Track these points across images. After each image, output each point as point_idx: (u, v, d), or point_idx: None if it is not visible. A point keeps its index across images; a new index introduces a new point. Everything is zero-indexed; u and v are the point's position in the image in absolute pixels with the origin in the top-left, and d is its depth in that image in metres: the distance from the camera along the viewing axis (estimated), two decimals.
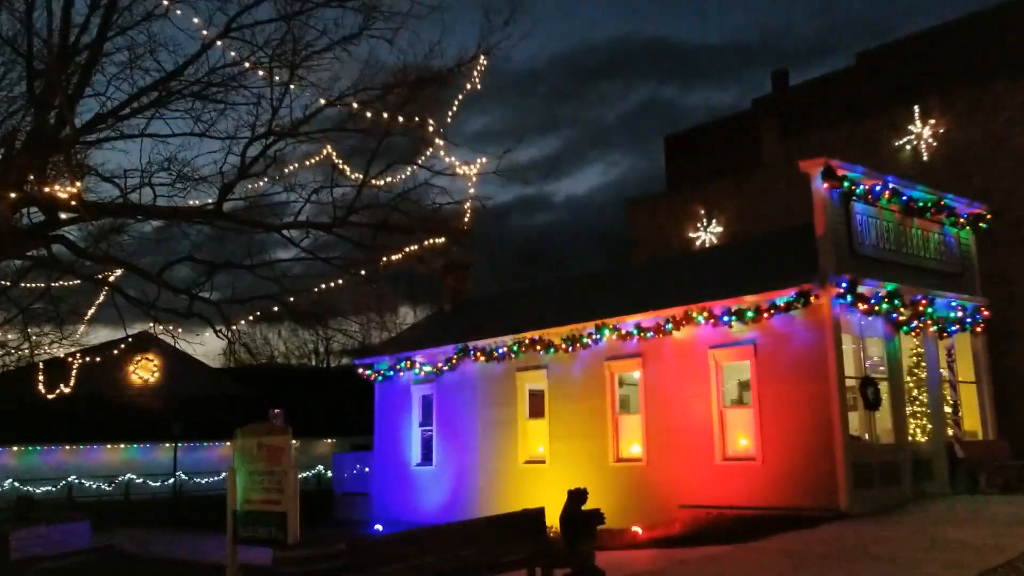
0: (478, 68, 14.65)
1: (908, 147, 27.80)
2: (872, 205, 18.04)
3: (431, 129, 13.65)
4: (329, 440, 46.62)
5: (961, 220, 20.02)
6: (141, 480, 45.47)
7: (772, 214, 28.04)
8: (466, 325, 25.23)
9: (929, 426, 18.65)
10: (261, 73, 13.68)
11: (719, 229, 32.82)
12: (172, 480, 46.19)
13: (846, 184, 17.23)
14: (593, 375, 20.78)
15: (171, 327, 18.82)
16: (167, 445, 48.04)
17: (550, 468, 21.40)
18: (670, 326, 18.92)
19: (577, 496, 11.38)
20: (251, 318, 20.11)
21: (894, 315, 17.63)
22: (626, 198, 39.95)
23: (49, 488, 42.32)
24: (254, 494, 11.25)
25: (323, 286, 18.39)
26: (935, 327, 18.60)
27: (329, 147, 13.95)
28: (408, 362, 25.09)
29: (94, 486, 42.69)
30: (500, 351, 22.48)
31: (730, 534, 15.23)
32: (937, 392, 18.74)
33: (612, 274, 26.49)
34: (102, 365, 49.64)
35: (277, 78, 13.41)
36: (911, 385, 19.45)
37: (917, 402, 19.24)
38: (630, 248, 37.25)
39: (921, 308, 18.18)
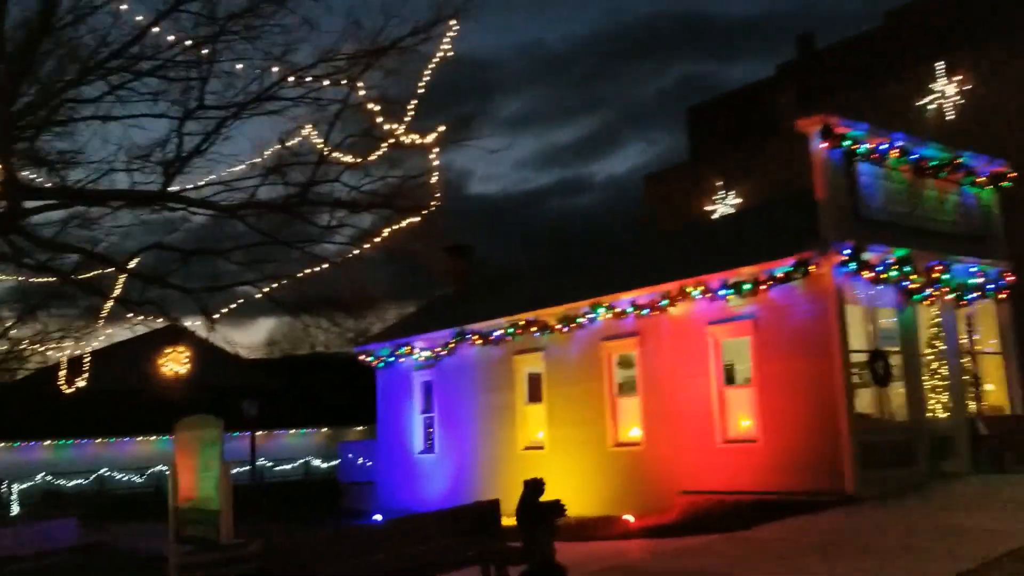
0: (448, 34, 13.65)
1: (933, 107, 26.30)
2: (879, 166, 16.72)
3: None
4: (360, 428, 46.35)
5: (981, 179, 18.57)
6: (164, 470, 45.64)
7: (789, 183, 26.65)
8: (465, 308, 24.33)
9: (950, 401, 17.37)
10: (206, 52, 12.81)
11: (737, 200, 31.51)
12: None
13: (847, 143, 15.94)
14: (590, 357, 19.75)
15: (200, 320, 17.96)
16: None
17: (549, 454, 20.45)
18: (665, 302, 17.82)
19: (534, 486, 10.37)
20: (232, 306, 19.42)
21: (905, 283, 16.34)
22: (643, 175, 38.61)
23: (80, 481, 42.52)
24: (192, 491, 10.52)
25: (306, 272, 17.69)
26: (953, 295, 17.24)
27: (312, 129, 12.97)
28: (407, 348, 24.28)
29: (125, 478, 42.80)
30: (496, 334, 21.55)
31: (725, 522, 14.18)
32: (957, 365, 17.41)
33: (610, 251, 25.34)
34: (133, 358, 50.01)
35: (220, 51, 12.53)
36: (931, 358, 18.18)
37: (937, 376, 17.96)
38: (646, 225, 36.03)
39: (936, 275, 16.85)
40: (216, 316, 17.49)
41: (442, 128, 12.96)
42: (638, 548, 13.15)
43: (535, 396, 21.35)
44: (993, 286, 18.11)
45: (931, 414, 17.77)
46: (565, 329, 19.96)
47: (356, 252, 16.45)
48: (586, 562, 12.17)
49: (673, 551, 12.13)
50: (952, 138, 20.51)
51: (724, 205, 31.60)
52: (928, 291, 16.64)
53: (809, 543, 11.65)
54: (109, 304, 15.49)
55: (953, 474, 16.47)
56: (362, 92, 13.46)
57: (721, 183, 32.58)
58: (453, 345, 22.74)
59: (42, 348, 30.72)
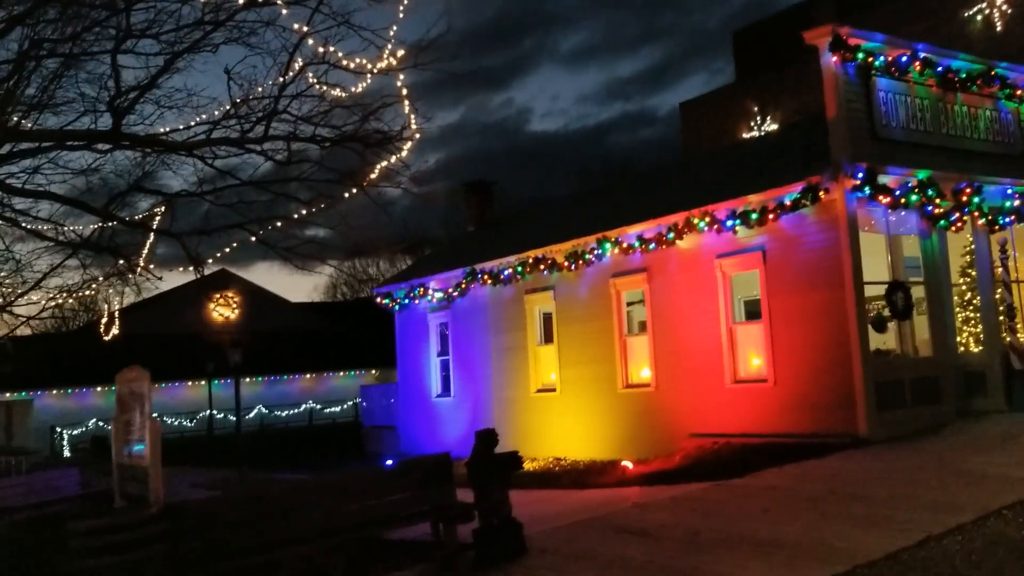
0: None
1: (979, 17, 24.31)
2: (900, 80, 15.28)
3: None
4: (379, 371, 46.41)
5: (1019, 92, 16.96)
6: (222, 415, 46.34)
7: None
8: (478, 247, 23.56)
9: (983, 334, 16.13)
10: None
11: (773, 127, 29.90)
12: (254, 414, 46.91)
13: (861, 56, 14.55)
14: (599, 294, 18.86)
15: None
16: (247, 380, 48.77)
17: (561, 397, 19.76)
18: (672, 235, 16.78)
19: (486, 438, 9.71)
20: (227, 250, 18.95)
21: (929, 207, 15.02)
22: (680, 102, 36.94)
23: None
24: (127, 446, 10.06)
25: (298, 214, 17.10)
26: (983, 219, 15.85)
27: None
28: (421, 289, 23.65)
29: (176, 422, 43.54)
30: (506, 273, 20.75)
31: (727, 468, 13.31)
32: (990, 295, 16.09)
33: (621, 185, 24.21)
34: (183, 304, 50.58)
35: None
36: (964, 288, 16.91)
37: (971, 307, 16.70)
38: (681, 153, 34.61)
39: (965, 198, 15.47)
40: (209, 260, 17.05)
41: (401, 52, 12.01)
42: (624, 497, 12.41)
43: (548, 336, 20.61)
44: None
45: (962, 348, 16.61)
46: (572, 267, 19.07)
47: (345, 193, 15.81)
48: (560, 515, 11.54)
49: (656, 502, 11.37)
50: (1001, 51, 18.86)
51: (760, 131, 30.03)
52: (955, 216, 15.29)
53: (802, 492, 10.79)
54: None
55: (984, 412, 15.32)
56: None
57: (757, 108, 31.00)
58: (464, 285, 22.03)
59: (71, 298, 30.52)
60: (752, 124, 31.03)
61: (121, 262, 17.22)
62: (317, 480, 10.89)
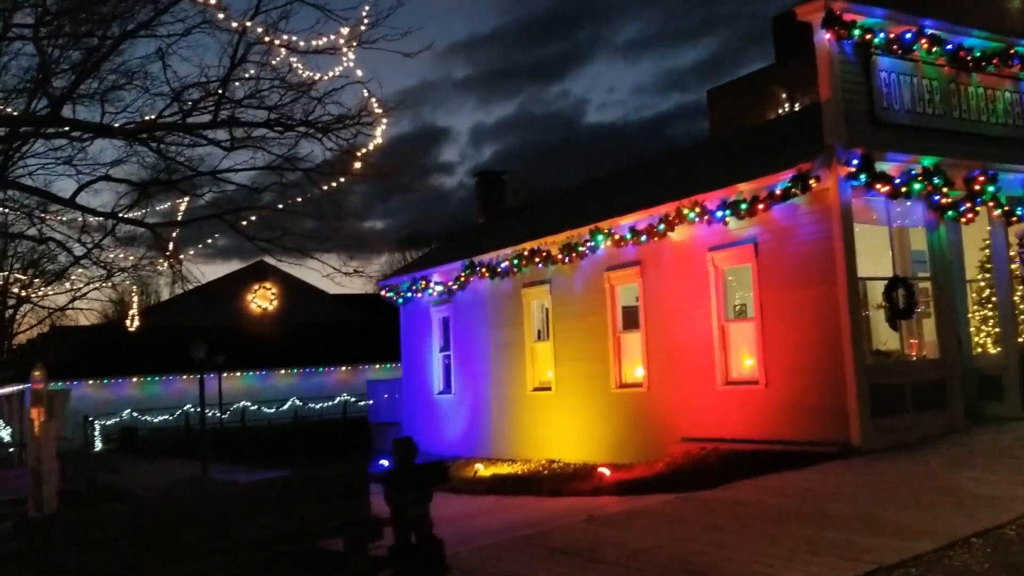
0: None
1: None
2: (905, 59, 14.12)
3: None
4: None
5: None
6: (256, 407, 46.42)
7: None
8: (479, 239, 22.82)
9: (1000, 335, 14.95)
10: None
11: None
12: (288, 406, 46.92)
13: (858, 32, 13.43)
14: (594, 289, 17.98)
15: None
16: (283, 372, 48.85)
17: (556, 396, 18.94)
18: (663, 227, 15.83)
19: (404, 447, 8.95)
20: (209, 241, 18.54)
21: (936, 196, 13.86)
22: (708, 89, 35.77)
23: (167, 417, 43.66)
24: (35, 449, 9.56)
25: (279, 206, 16.61)
26: (999, 210, 14.61)
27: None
28: (423, 281, 22.97)
29: (210, 414, 43.52)
30: (503, 266, 19.97)
31: (705, 477, 12.42)
32: (1006, 292, 14.87)
33: (622, 174, 23.20)
34: (223, 296, 50.79)
35: None
36: (982, 284, 15.70)
37: (990, 304, 15.50)
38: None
39: (978, 186, 14.26)
40: (177, 251, 16.63)
41: (346, 30, 11.30)
42: (590, 508, 11.58)
43: (546, 332, 19.81)
44: None
45: (979, 349, 15.42)
46: (566, 260, 18.22)
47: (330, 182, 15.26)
48: (509, 527, 10.81)
49: (610, 516, 10.53)
50: None
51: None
52: (966, 206, 14.10)
53: (768, 509, 9.86)
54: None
55: (998, 419, 14.17)
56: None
57: (786, 95, 29.78)
58: (463, 279, 21.30)
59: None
60: (780, 111, 29.83)
61: (151, 252, 16.97)
62: (217, 489, 10.26)
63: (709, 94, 35.39)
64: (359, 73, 12.21)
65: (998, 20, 19.87)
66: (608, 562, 8.35)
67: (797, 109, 28.65)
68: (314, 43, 11.23)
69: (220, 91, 11.91)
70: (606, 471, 14.44)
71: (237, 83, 12.04)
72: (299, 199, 16.31)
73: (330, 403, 47.71)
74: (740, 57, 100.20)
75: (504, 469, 18.07)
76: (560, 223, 18.91)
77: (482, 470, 18.02)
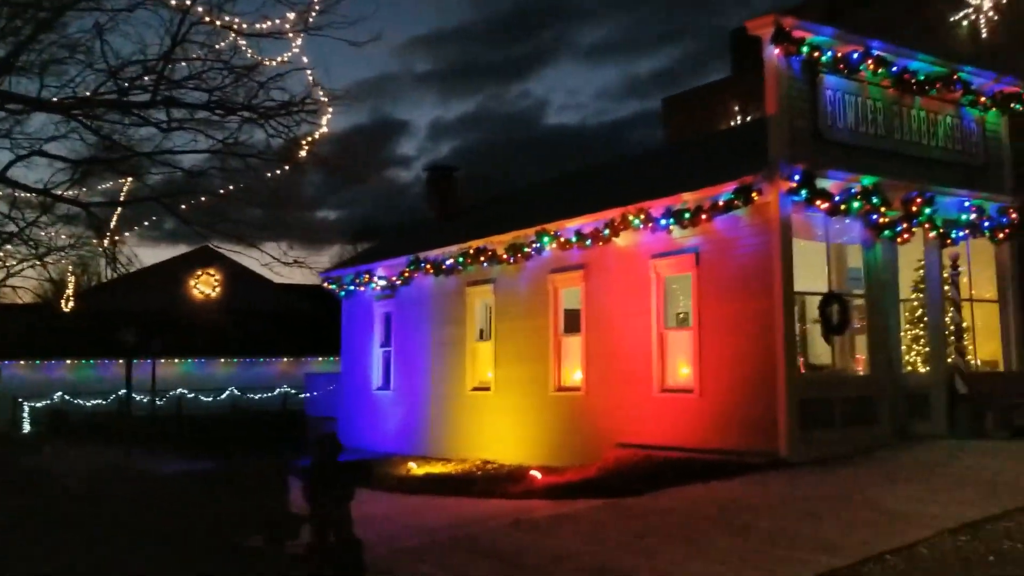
0: None
1: (965, 22, 23.31)
2: (851, 79, 14.31)
3: None
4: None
5: (984, 100, 15.97)
6: (193, 395, 45.47)
7: None
8: (425, 234, 22.66)
9: (931, 354, 15.21)
10: None
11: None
12: (226, 395, 46.07)
13: (806, 50, 13.58)
14: (538, 290, 17.95)
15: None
16: (222, 360, 47.94)
17: (495, 396, 18.87)
18: (608, 231, 15.86)
19: (327, 444, 8.81)
20: (146, 224, 18.09)
21: (874, 216, 14.07)
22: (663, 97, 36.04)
23: (100, 401, 42.56)
24: None
25: (223, 191, 16.25)
26: (935, 232, 14.89)
27: None
28: (367, 275, 22.75)
29: (145, 400, 42.61)
30: (448, 263, 19.86)
31: (635, 484, 12.47)
32: (938, 313, 15.14)
33: (571, 177, 23.25)
34: (165, 281, 49.65)
35: None
36: (916, 304, 15.97)
37: (921, 324, 15.77)
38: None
39: (915, 208, 14.51)
40: (114, 233, 16.20)
41: (293, 15, 11.08)
42: (519, 510, 11.55)
43: (488, 332, 19.73)
44: (989, 223, 15.66)
45: (909, 368, 15.70)
46: (512, 260, 18.16)
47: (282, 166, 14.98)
48: (435, 529, 10.73)
49: (536, 520, 10.50)
50: (986, 58, 17.87)
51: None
52: (903, 226, 14.34)
53: (692, 518, 9.92)
54: None
55: (924, 437, 14.42)
56: None
57: (739, 107, 30.09)
58: (408, 274, 21.13)
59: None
60: (732, 123, 30.13)
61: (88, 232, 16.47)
62: (134, 479, 10.00)
63: (665, 102, 35.61)
64: (305, 60, 11.98)
65: (944, 46, 20.37)
66: (529, 567, 8.32)
67: (749, 122, 28.95)
68: (259, 26, 11.02)
69: (160, 70, 11.59)
70: (538, 474, 14.43)
71: (183, 63, 11.73)
72: (241, 185, 16.01)
73: (270, 394, 46.94)
74: (700, 68, 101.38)
75: (438, 468, 17.96)
76: (507, 223, 18.85)
77: (415, 469, 17.88)
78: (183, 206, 16.22)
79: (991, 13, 22.72)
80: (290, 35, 11.54)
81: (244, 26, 11.08)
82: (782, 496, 10.70)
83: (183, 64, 11.98)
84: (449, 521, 11.65)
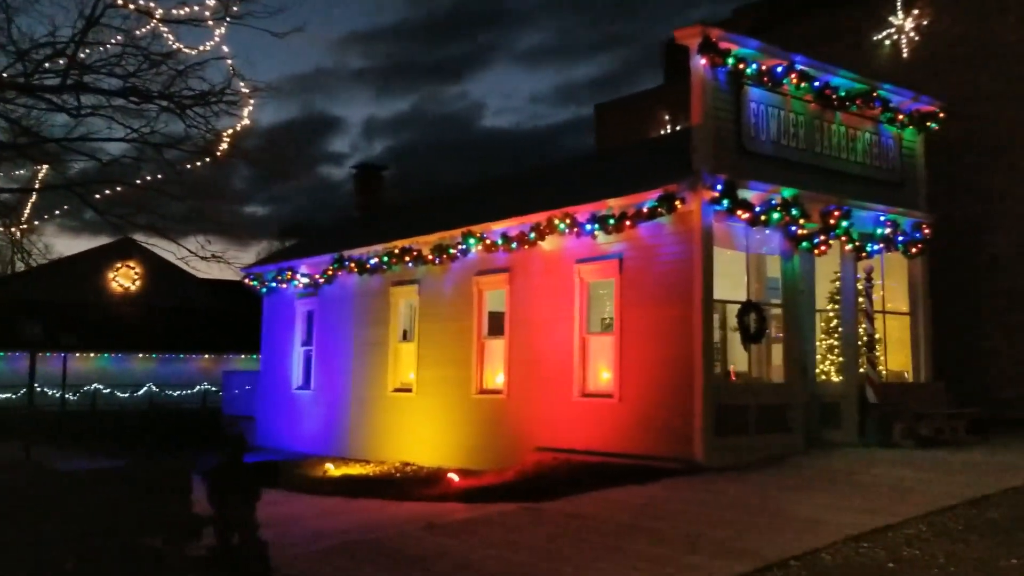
0: None
1: (888, 42, 23.93)
2: (775, 92, 14.57)
3: None
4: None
5: (902, 118, 16.42)
6: (108, 391, 44.05)
7: None
8: (350, 233, 22.37)
9: (844, 364, 15.56)
10: None
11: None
12: (143, 391, 44.77)
13: (731, 61, 13.77)
14: (462, 293, 17.84)
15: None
16: (140, 356, 46.56)
17: (416, 398, 18.69)
18: (534, 235, 15.85)
19: (232, 444, 8.58)
20: (57, 213, 17.48)
21: (793, 227, 14.33)
22: (596, 104, 36.24)
23: (9, 395, 40.97)
24: None
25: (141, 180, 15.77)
26: (851, 244, 15.24)
27: None
28: (289, 272, 22.34)
29: (56, 395, 41.19)
30: (373, 262, 19.61)
31: (551, 488, 12.38)
32: (851, 324, 15.51)
33: (502, 180, 23.26)
34: (85, 272, 47.95)
35: None
36: (831, 315, 16.31)
37: (836, 335, 16.11)
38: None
39: (833, 220, 14.84)
40: (19, 221, 15.62)
41: (212, 2, 10.82)
42: (428, 515, 11.38)
43: (412, 333, 19.54)
44: (904, 238, 16.10)
45: (824, 377, 16.02)
46: (437, 261, 18.02)
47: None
48: (345, 531, 10.53)
49: (448, 524, 10.37)
50: (904, 78, 18.42)
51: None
52: (820, 238, 14.63)
53: (604, 523, 9.91)
54: None
55: (835, 445, 14.73)
56: None
57: (669, 116, 30.40)
58: (331, 272, 20.82)
59: None
60: (662, 132, 30.41)
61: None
62: (32, 477, 9.61)
63: (597, 109, 35.78)
64: (225, 49, 11.70)
65: (863, 62, 20.89)
66: (436, 572, 8.20)
67: (677, 131, 29.30)
68: (176, 12, 10.72)
69: (71, 53, 11.19)
70: (455, 477, 14.31)
71: (98, 48, 11.35)
72: (160, 176, 15.58)
73: (189, 391, 45.91)
74: (636, 77, 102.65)
75: (356, 470, 17.70)
76: (433, 223, 18.71)
77: (332, 470, 17.60)
78: (98, 196, 15.74)
79: (912, 34, 23.40)
80: (210, 23, 11.27)
81: (160, 12, 10.77)
82: (694, 502, 10.78)
83: (101, 49, 11.61)
84: (362, 524, 11.44)
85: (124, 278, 49.43)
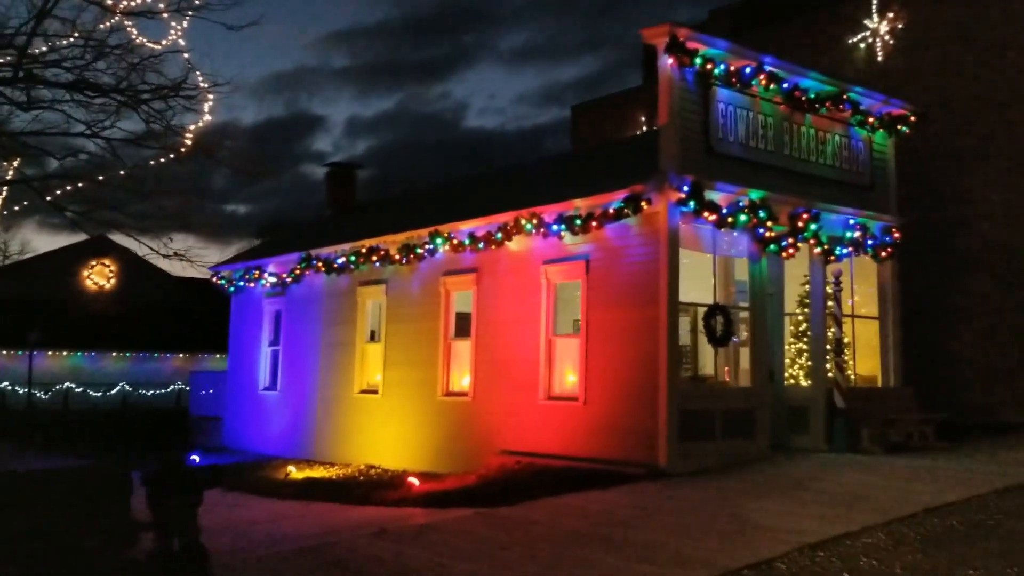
0: None
1: (863, 45, 23.88)
2: (744, 93, 14.42)
3: None
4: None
5: (872, 120, 16.31)
6: (81, 390, 43.49)
7: None
8: (318, 232, 22.08)
9: (813, 369, 15.43)
10: None
11: None
12: (116, 390, 44.21)
13: (699, 61, 13.60)
14: (430, 293, 17.59)
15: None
16: (114, 355, 45.97)
17: (383, 399, 18.42)
18: (500, 235, 15.62)
19: (176, 451, 8.28)
20: (16, 208, 17.12)
21: (761, 230, 14.18)
22: (572, 105, 36.11)
23: None
24: None
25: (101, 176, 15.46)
26: (820, 248, 15.11)
27: None
28: (257, 271, 22.01)
29: (23, 392, 40.64)
30: (340, 262, 19.33)
31: (511, 493, 12.15)
32: (820, 328, 15.37)
33: (471, 179, 23.04)
34: (59, 269, 47.28)
35: None
36: (801, 319, 16.19)
37: (806, 339, 15.98)
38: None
39: (801, 223, 14.69)
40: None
41: None
42: (385, 520, 11.18)
43: (379, 334, 19.27)
44: (873, 242, 15.99)
45: (792, 381, 15.90)
46: (404, 261, 17.76)
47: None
48: (299, 536, 10.31)
49: (403, 530, 10.14)
50: (879, 81, 18.38)
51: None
52: (788, 241, 14.49)
53: (560, 530, 9.70)
54: None
55: (802, 450, 14.62)
56: None
57: (644, 118, 30.26)
58: (299, 272, 20.52)
59: None
60: (638, 132, 30.29)
61: None
62: None
63: (573, 110, 35.59)
64: (182, 43, 11.43)
65: (838, 65, 20.83)
66: None
67: (646, 132, 29.17)
68: (126, 3, 10.42)
69: (23, 45, 10.88)
70: (416, 481, 14.07)
71: (55, 40, 11.03)
72: (122, 172, 15.28)
73: (163, 391, 45.37)
74: (620, 78, 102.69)
75: (320, 472, 17.40)
76: (401, 223, 18.47)
77: (295, 472, 17.30)
78: (59, 192, 15.43)
79: (888, 37, 23.36)
80: (165, 15, 10.98)
81: (111, 2, 10.47)
82: (654, 508, 10.60)
83: (51, 42, 11.30)
84: (317, 529, 11.21)
85: (99, 276, 48.80)
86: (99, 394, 43.42)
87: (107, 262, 48.78)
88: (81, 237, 46.96)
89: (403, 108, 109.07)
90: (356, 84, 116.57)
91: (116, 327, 44.81)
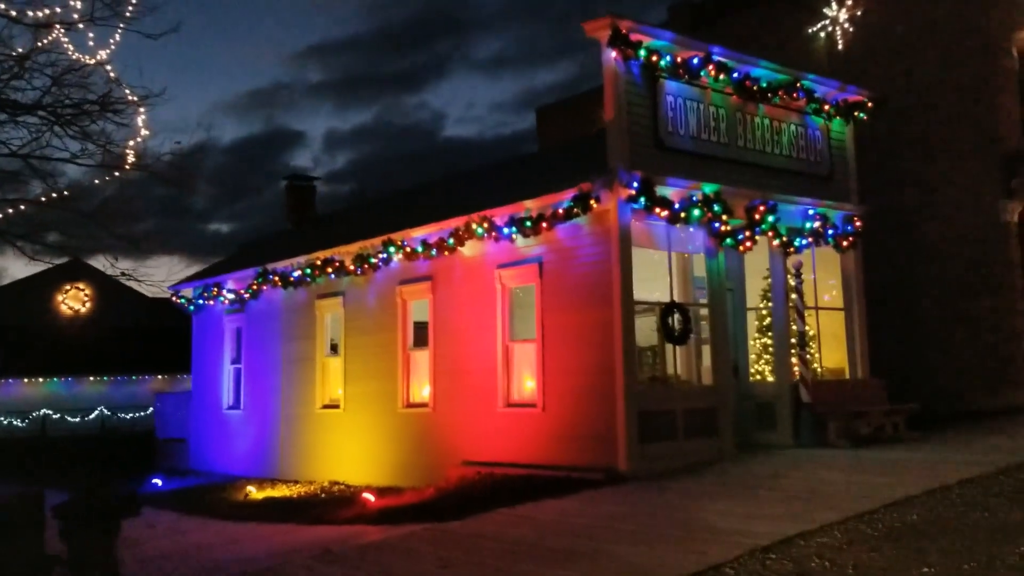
0: None
1: (822, 34, 23.66)
2: (693, 85, 14.10)
3: None
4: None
5: (828, 108, 16.04)
6: (58, 416, 42.80)
7: None
8: (275, 246, 21.66)
9: (777, 364, 15.11)
10: None
11: None
12: (95, 415, 43.52)
13: (644, 54, 13.27)
14: (386, 303, 17.19)
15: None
16: (91, 379, 45.25)
17: (345, 414, 18.00)
18: (453, 240, 15.25)
19: (89, 477, 7.85)
20: None
21: (716, 224, 13.84)
22: (537, 107, 35.76)
23: None
24: None
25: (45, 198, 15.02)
26: (778, 240, 14.80)
27: None
28: (216, 288, 21.56)
29: (6, 422, 39.94)
30: (296, 275, 18.90)
31: (466, 504, 11.75)
32: (782, 322, 15.05)
33: (423, 187, 22.68)
34: (31, 294, 46.47)
35: None
36: (764, 313, 15.89)
37: (770, 333, 15.67)
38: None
39: (758, 216, 14.37)
40: None
41: (79, 4, 10.14)
42: (335, 540, 10.76)
43: (338, 348, 18.85)
44: (834, 232, 15.69)
45: (758, 377, 15.58)
46: (359, 271, 17.36)
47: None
48: (245, 560, 9.87)
49: (348, 551, 9.72)
50: (841, 71, 18.10)
51: None
52: (744, 235, 14.17)
53: (507, 542, 9.30)
54: None
55: (768, 447, 14.30)
56: None
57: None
58: (256, 287, 20.08)
59: None
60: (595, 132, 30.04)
61: None
62: None
63: (538, 112, 35.29)
64: (102, 55, 10.98)
65: (800, 55, 20.55)
66: None
67: (598, 131, 28.86)
68: (32, 13, 10.00)
69: None
70: (371, 497, 13.66)
71: None
72: (66, 192, 14.82)
73: (142, 414, 44.64)
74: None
75: (281, 492, 16.97)
76: (354, 232, 18.07)
77: (255, 493, 16.84)
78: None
79: (847, 25, 23.14)
80: (80, 26, 10.55)
81: (15, 12, 10.05)
82: (608, 515, 10.21)
83: None
84: (263, 552, 10.78)
85: (74, 300, 48.00)
86: (77, 419, 42.75)
87: (81, 286, 47.99)
88: (61, 261, 46.53)
89: (381, 120, 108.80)
90: (333, 98, 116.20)
91: (92, 351, 44.14)
